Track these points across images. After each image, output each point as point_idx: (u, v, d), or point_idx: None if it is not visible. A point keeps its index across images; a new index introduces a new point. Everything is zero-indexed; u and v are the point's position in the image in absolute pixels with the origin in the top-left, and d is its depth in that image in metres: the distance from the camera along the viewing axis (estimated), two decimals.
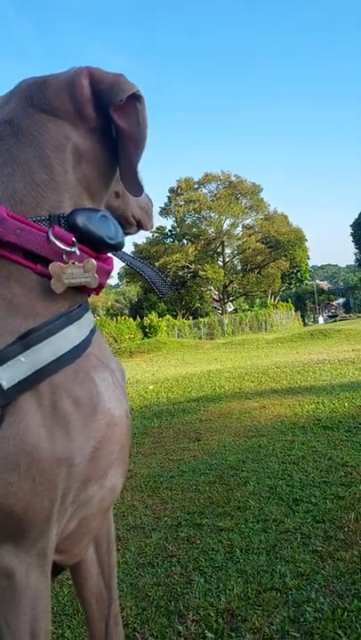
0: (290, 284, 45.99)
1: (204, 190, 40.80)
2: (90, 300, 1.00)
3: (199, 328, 30.87)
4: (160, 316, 30.19)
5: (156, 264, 33.28)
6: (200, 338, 28.93)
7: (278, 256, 40.30)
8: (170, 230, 42.00)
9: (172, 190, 40.64)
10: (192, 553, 2.11)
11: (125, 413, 0.94)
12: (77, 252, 0.87)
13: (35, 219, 0.86)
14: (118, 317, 27.88)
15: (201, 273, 38.17)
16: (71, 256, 0.86)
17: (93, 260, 0.88)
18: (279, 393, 6.06)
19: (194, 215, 40.50)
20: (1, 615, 0.82)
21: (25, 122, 0.89)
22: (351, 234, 53.49)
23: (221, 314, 38.37)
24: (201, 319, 33.15)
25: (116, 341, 23.22)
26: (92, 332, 0.96)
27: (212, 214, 40.11)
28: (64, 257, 0.85)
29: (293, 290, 47.08)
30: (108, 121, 0.90)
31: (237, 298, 43.97)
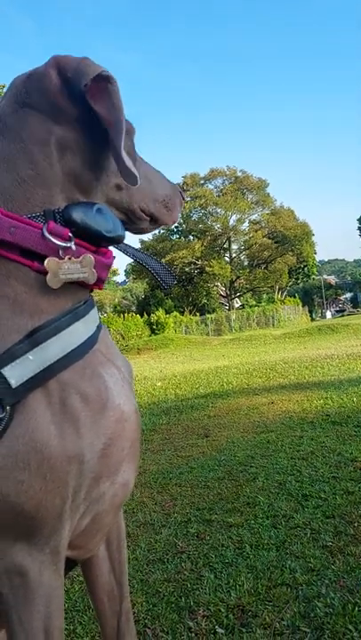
0: (297, 279, 45.82)
1: (210, 186, 40.70)
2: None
3: (206, 324, 30.85)
4: (167, 312, 30.21)
5: (163, 261, 33.29)
6: (207, 334, 28.92)
7: (285, 251, 40.15)
8: (176, 227, 41.93)
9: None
10: (202, 549, 2.11)
11: (134, 409, 0.95)
12: (74, 247, 0.86)
13: (29, 215, 0.85)
14: (125, 314, 27.93)
15: (208, 269, 38.10)
16: (68, 251, 0.85)
17: (90, 255, 0.87)
18: (287, 388, 6.04)
19: (200, 211, 40.41)
20: (15, 613, 0.82)
21: (10, 118, 0.87)
22: (358, 228, 53.19)
23: (228, 310, 38.33)
24: (208, 315, 33.12)
25: (123, 338, 23.27)
26: (99, 328, 0.96)
27: (219, 210, 40.00)
28: (60, 252, 0.84)
29: (301, 285, 46.95)
30: (89, 109, 0.86)
31: (244, 293, 43.88)
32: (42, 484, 0.78)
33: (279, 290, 42.56)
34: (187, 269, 38.84)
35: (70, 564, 0.97)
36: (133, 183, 0.87)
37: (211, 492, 2.76)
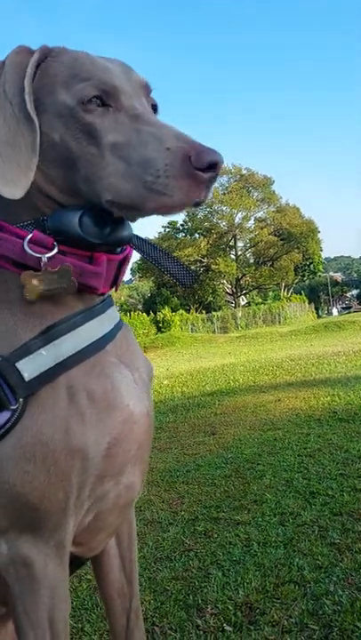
0: (303, 276, 45.69)
1: (215, 184, 40.57)
2: None
3: (212, 322, 30.84)
4: (173, 310, 30.23)
5: None
6: (213, 332, 28.90)
7: (291, 248, 40.05)
8: (181, 225, 41.95)
9: None
10: (209, 547, 2.11)
11: (146, 412, 0.94)
12: (58, 256, 0.84)
13: (20, 224, 0.86)
14: (131, 313, 27.98)
15: (213, 267, 38.09)
16: (52, 260, 0.84)
17: (68, 265, 0.85)
18: (294, 386, 6.03)
19: (205, 209, 40.34)
20: (20, 604, 0.84)
21: None
22: None
23: (235, 307, 38.30)
24: (214, 313, 33.12)
25: None
26: (118, 327, 0.96)
27: (224, 208, 39.94)
28: (42, 262, 0.84)
29: (307, 282, 46.81)
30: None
31: (250, 291, 43.82)
32: (46, 476, 0.80)
33: (285, 287, 42.47)
34: (192, 267, 38.71)
35: (77, 561, 0.98)
36: None
37: (218, 489, 2.76)
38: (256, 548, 2.04)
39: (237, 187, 39.50)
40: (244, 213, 40.42)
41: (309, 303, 39.41)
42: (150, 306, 35.12)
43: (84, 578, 1.98)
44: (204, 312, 35.71)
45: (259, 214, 41.18)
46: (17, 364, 0.81)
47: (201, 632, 1.57)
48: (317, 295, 44.22)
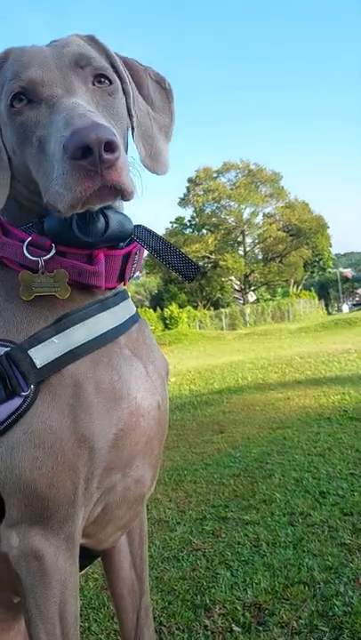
0: (312, 272, 45.46)
1: (223, 179, 40.40)
2: None
3: (220, 319, 30.79)
4: (181, 307, 30.20)
5: None
6: (222, 329, 28.86)
7: (300, 244, 39.82)
8: (189, 220, 41.85)
9: (190, 180, 40.40)
10: (217, 547, 2.09)
11: (157, 405, 0.95)
12: (55, 257, 0.86)
13: (24, 227, 0.90)
14: (138, 309, 27.91)
15: (221, 263, 37.98)
16: (49, 262, 0.86)
17: (63, 271, 0.86)
18: (303, 384, 6.00)
19: (213, 204, 40.24)
20: (31, 597, 0.85)
21: None
22: None
23: (243, 304, 38.22)
24: (222, 310, 33.06)
25: None
26: (133, 320, 0.98)
27: (232, 203, 39.79)
28: (40, 264, 0.86)
29: (316, 278, 46.57)
30: None
31: (259, 287, 43.66)
32: (53, 463, 0.82)
33: (294, 283, 42.28)
34: (200, 263, 38.74)
35: (87, 554, 0.98)
36: None
37: (226, 488, 2.75)
38: (265, 548, 2.02)
39: (246, 182, 39.31)
40: (252, 209, 40.25)
41: (319, 300, 39.19)
42: (157, 302, 35.13)
43: (91, 577, 1.97)
44: (211, 309, 35.67)
45: (267, 210, 40.98)
46: (29, 352, 0.84)
47: (209, 632, 1.56)
48: (327, 292, 43.92)
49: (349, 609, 1.57)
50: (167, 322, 26.40)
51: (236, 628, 1.56)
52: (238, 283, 41.67)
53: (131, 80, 0.96)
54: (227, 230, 39.88)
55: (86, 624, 1.70)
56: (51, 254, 0.86)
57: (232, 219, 40.29)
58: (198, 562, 1.99)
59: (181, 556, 2.06)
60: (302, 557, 1.91)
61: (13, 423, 0.82)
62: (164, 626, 1.62)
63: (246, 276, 40.71)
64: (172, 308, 27.82)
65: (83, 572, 1.03)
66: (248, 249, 41.53)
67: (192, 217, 41.51)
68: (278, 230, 39.72)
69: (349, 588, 1.68)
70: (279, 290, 42.66)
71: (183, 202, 40.82)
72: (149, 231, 0.95)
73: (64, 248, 0.87)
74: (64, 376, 0.84)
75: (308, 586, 1.73)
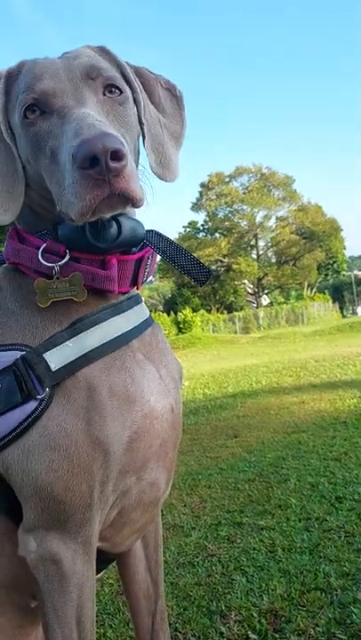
0: (326, 275, 45.19)
1: (236, 183, 40.51)
2: None
3: (234, 322, 30.74)
4: (194, 311, 30.21)
5: None
6: (235, 332, 28.80)
7: (313, 247, 39.67)
8: (202, 225, 41.92)
9: (203, 185, 40.50)
10: (233, 552, 2.08)
11: (170, 408, 0.95)
12: (69, 263, 0.88)
13: (39, 234, 0.91)
14: (152, 313, 27.94)
15: (234, 266, 37.97)
16: (64, 268, 0.88)
17: (79, 274, 0.88)
18: (319, 387, 5.95)
19: (226, 209, 40.29)
20: (49, 601, 0.86)
21: None
22: None
23: (256, 307, 38.11)
24: (236, 313, 33.01)
25: None
26: (147, 324, 0.99)
27: (245, 207, 39.80)
28: (55, 270, 0.87)
29: (330, 281, 46.24)
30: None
31: (272, 291, 43.52)
32: (69, 466, 0.83)
33: (308, 286, 42.06)
34: (213, 267, 38.74)
35: (103, 558, 0.98)
36: None
37: (241, 493, 2.73)
38: (281, 553, 2.00)
39: (258, 186, 39.30)
40: (265, 212, 40.22)
41: (333, 302, 38.93)
42: (171, 306, 35.17)
43: (106, 582, 1.97)
44: (225, 312, 35.61)
45: (280, 213, 40.92)
46: (44, 355, 0.85)
47: (225, 639, 1.55)
48: (342, 294, 43.57)
49: None
50: (181, 326, 26.41)
51: (252, 636, 1.55)
52: (252, 286, 41.59)
53: (142, 89, 0.97)
54: (240, 234, 39.86)
55: (102, 630, 1.69)
56: (65, 260, 0.87)
57: (245, 222, 40.28)
58: (214, 567, 1.98)
59: (197, 562, 2.05)
60: (319, 563, 1.89)
61: (29, 426, 0.83)
62: (180, 632, 1.61)
63: (260, 280, 40.62)
64: (186, 312, 27.84)
65: (99, 575, 1.03)
66: (261, 252, 41.45)
67: (205, 221, 41.59)
68: (291, 233, 39.61)
69: None
70: (293, 293, 42.50)
71: (196, 206, 40.92)
72: (161, 236, 0.96)
73: (78, 254, 0.88)
74: (78, 379, 0.85)
75: (324, 592, 1.71)
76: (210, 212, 40.55)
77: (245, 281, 40.82)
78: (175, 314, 28.46)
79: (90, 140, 0.71)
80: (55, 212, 0.87)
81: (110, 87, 0.89)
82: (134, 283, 0.95)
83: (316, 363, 8.57)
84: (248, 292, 42.16)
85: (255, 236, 40.47)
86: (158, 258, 1.01)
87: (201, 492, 2.84)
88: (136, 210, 0.95)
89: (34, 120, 0.83)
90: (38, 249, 0.88)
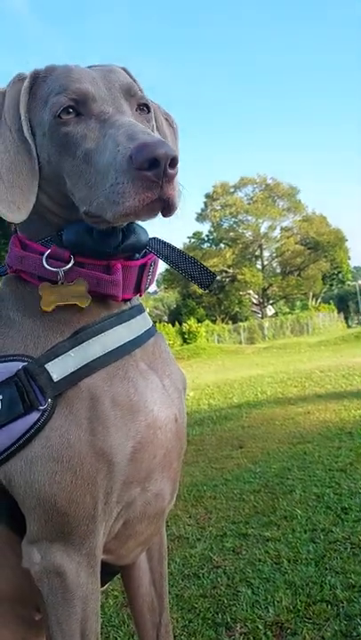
0: (331, 285, 45.11)
1: (241, 194, 40.63)
2: None
3: (239, 333, 30.68)
4: (199, 321, 30.19)
5: None
6: (240, 342, 28.74)
7: (318, 257, 39.64)
8: (207, 235, 42.02)
9: (207, 195, 40.65)
10: (238, 564, 2.07)
11: (174, 418, 0.95)
12: (73, 268, 0.88)
13: (42, 241, 0.91)
14: (157, 324, 28.05)
15: (239, 277, 37.97)
16: (69, 273, 0.88)
17: (83, 280, 0.88)
18: (324, 398, 5.93)
19: (230, 219, 40.37)
20: (53, 614, 0.85)
21: None
22: None
23: (261, 317, 38.05)
24: (241, 323, 32.96)
25: None
26: (149, 334, 0.99)
27: (250, 217, 39.87)
28: (59, 275, 0.88)
29: (335, 291, 46.17)
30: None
31: (277, 301, 43.47)
32: (73, 477, 0.82)
33: (313, 297, 41.99)
34: (218, 278, 38.70)
35: (108, 570, 0.98)
36: None
37: (246, 504, 2.72)
38: (286, 565, 1.99)
39: (263, 196, 39.41)
40: (269, 223, 40.26)
41: (339, 313, 38.81)
42: (176, 317, 35.14)
43: (111, 594, 1.96)
44: (230, 323, 35.56)
45: (285, 223, 40.94)
46: (46, 366, 0.85)
47: None
48: (347, 304, 43.43)
49: None
50: (186, 336, 26.38)
51: None
52: (256, 296, 41.55)
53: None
54: (244, 244, 39.90)
55: None
56: (69, 265, 0.88)
57: (250, 233, 40.34)
58: (219, 579, 1.97)
59: (202, 574, 2.04)
60: (325, 575, 1.88)
61: (32, 438, 0.83)
62: None
63: (264, 290, 40.59)
64: (191, 323, 27.81)
65: (103, 587, 1.03)
66: (266, 263, 41.46)
67: (210, 232, 41.68)
68: (296, 244, 39.62)
69: None
70: (298, 303, 42.41)
71: (201, 217, 41.03)
72: (164, 242, 0.97)
73: (82, 259, 0.89)
74: (81, 389, 0.85)
75: (330, 604, 1.70)
76: (214, 222, 40.65)
77: (250, 291, 40.80)
78: (180, 324, 28.44)
79: (153, 144, 0.74)
80: (63, 216, 0.89)
81: (142, 105, 0.92)
82: (137, 289, 0.96)
83: (321, 373, 8.54)
84: (253, 303, 42.11)
85: (260, 246, 40.50)
86: (163, 267, 1.02)
87: (206, 504, 2.83)
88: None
89: (67, 121, 0.84)
90: (42, 255, 0.89)
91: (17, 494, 0.86)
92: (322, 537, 2.19)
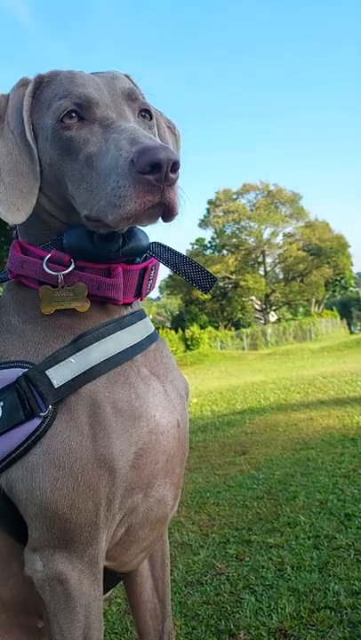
0: (334, 291, 45.05)
1: (243, 200, 40.70)
2: None
3: (242, 339, 30.63)
4: (202, 327, 30.17)
5: None
6: (243, 349, 28.69)
7: (321, 263, 39.62)
8: (209, 242, 42.07)
9: (210, 202, 40.75)
10: (241, 570, 2.06)
11: (176, 423, 0.95)
12: (73, 272, 0.88)
13: (42, 245, 0.92)
14: (160, 330, 28.03)
15: (242, 283, 37.96)
16: (69, 277, 0.88)
17: (82, 284, 0.89)
18: (327, 404, 5.92)
19: (233, 225, 40.41)
20: (55, 622, 0.85)
21: None
22: None
23: (264, 324, 38.00)
24: (243, 330, 32.91)
25: None
26: (151, 340, 0.98)
27: (252, 224, 39.91)
28: (59, 279, 0.88)
29: (338, 297, 46.12)
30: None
31: (280, 307, 43.43)
32: (75, 483, 0.82)
33: (316, 303, 41.94)
34: (221, 284, 38.78)
35: (110, 577, 0.98)
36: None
37: (249, 511, 2.71)
38: (290, 572, 1.98)
39: (265, 203, 39.46)
40: (272, 229, 40.28)
41: (341, 319, 38.73)
42: (179, 323, 35.12)
43: (114, 601, 1.96)
44: (233, 329, 35.53)
45: (287, 230, 40.96)
46: (47, 372, 0.85)
47: None
48: (349, 311, 43.33)
49: None
50: (188, 342, 26.36)
51: None
52: (259, 303, 41.51)
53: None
54: (247, 251, 39.92)
55: None
56: (70, 269, 0.88)
57: (252, 239, 40.36)
58: (222, 586, 1.96)
59: (205, 581, 2.03)
60: (328, 582, 1.87)
61: (33, 444, 0.83)
62: None
63: (267, 296, 40.56)
64: (194, 329, 27.80)
65: (106, 595, 1.03)
66: (269, 269, 41.44)
67: (212, 238, 41.73)
68: (299, 250, 39.62)
69: None
70: (300, 309, 42.34)
71: (203, 223, 41.10)
72: (164, 246, 0.98)
73: (83, 263, 0.89)
74: (82, 396, 0.85)
75: (334, 611, 1.69)
76: (217, 228, 40.69)
77: (253, 297, 40.77)
78: (183, 331, 28.42)
79: (155, 148, 0.75)
80: (63, 220, 0.90)
81: (144, 112, 0.93)
82: (138, 293, 0.96)
83: (324, 379, 8.52)
84: (256, 309, 42.06)
85: (263, 252, 40.51)
86: (166, 273, 1.02)
87: (209, 510, 2.82)
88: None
89: (70, 125, 0.85)
90: (42, 259, 0.89)
91: (18, 501, 0.85)
92: (325, 543, 2.19)
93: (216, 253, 40.93)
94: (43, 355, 0.87)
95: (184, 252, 0.99)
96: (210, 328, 31.17)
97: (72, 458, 0.82)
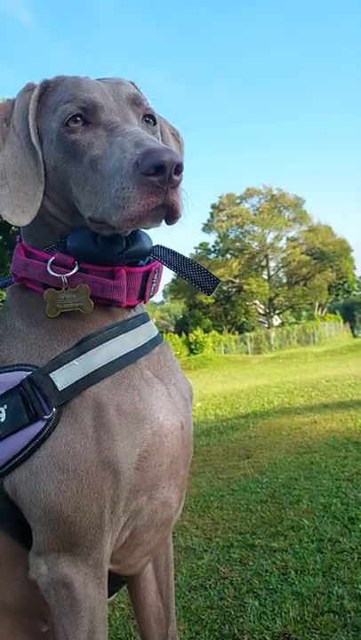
0: (337, 295, 44.99)
1: (247, 205, 40.73)
2: None
3: (245, 343, 30.59)
4: (205, 331, 30.14)
5: None
6: (247, 353, 28.64)
7: (324, 267, 39.58)
8: (213, 246, 42.09)
9: (214, 206, 40.80)
10: (245, 575, 2.06)
11: (180, 425, 0.95)
12: (77, 274, 0.89)
13: (46, 248, 0.93)
14: (164, 334, 27.93)
15: (246, 287, 37.95)
16: (72, 279, 0.89)
17: (85, 285, 0.89)
18: (330, 407, 5.90)
19: (237, 230, 40.43)
20: (60, 626, 0.84)
21: None
22: None
23: (268, 328, 37.94)
24: (247, 334, 32.87)
25: None
26: (154, 343, 0.99)
27: (256, 228, 39.93)
28: (63, 281, 0.89)
29: (341, 301, 46.06)
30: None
31: (284, 311, 43.38)
32: (79, 486, 0.82)
33: (319, 306, 41.90)
34: (225, 288, 38.80)
35: (114, 580, 0.98)
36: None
37: (253, 515, 2.70)
38: (293, 575, 1.98)
39: (269, 207, 39.49)
40: (275, 233, 40.29)
41: (345, 322, 38.67)
42: (182, 327, 35.09)
43: (118, 606, 1.95)
44: (236, 333, 35.49)
45: (291, 234, 40.94)
46: (50, 375, 0.85)
47: None
48: (353, 314, 43.28)
49: None
50: (192, 347, 26.33)
51: None
52: (263, 307, 41.46)
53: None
54: (251, 255, 39.93)
55: None
56: (73, 271, 0.89)
57: (256, 243, 40.36)
58: (226, 590, 1.96)
59: (209, 585, 2.03)
60: (332, 585, 1.87)
61: (37, 447, 0.83)
62: None
63: (271, 300, 40.52)
64: (197, 333, 27.77)
65: (110, 598, 1.03)
66: (272, 273, 41.43)
67: (216, 242, 41.74)
68: (302, 254, 39.60)
69: None
70: (304, 313, 42.31)
71: (207, 227, 41.14)
72: (167, 249, 0.98)
73: (86, 265, 0.90)
74: (86, 398, 0.85)
75: (338, 615, 1.69)
76: (221, 233, 40.72)
77: (257, 301, 40.74)
78: (187, 335, 28.39)
79: (159, 151, 0.76)
80: (67, 223, 0.91)
81: (148, 117, 0.95)
82: (142, 296, 0.97)
83: (327, 383, 8.50)
84: (259, 313, 42.02)
85: (266, 256, 40.51)
86: (170, 277, 1.03)
87: (213, 514, 2.81)
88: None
89: (75, 129, 0.86)
90: (46, 262, 0.90)
91: (23, 504, 0.85)
92: (329, 547, 2.18)
93: (220, 257, 40.94)
94: (46, 358, 0.87)
95: (187, 256, 1.00)
96: (214, 332, 31.14)
97: (76, 460, 0.82)
